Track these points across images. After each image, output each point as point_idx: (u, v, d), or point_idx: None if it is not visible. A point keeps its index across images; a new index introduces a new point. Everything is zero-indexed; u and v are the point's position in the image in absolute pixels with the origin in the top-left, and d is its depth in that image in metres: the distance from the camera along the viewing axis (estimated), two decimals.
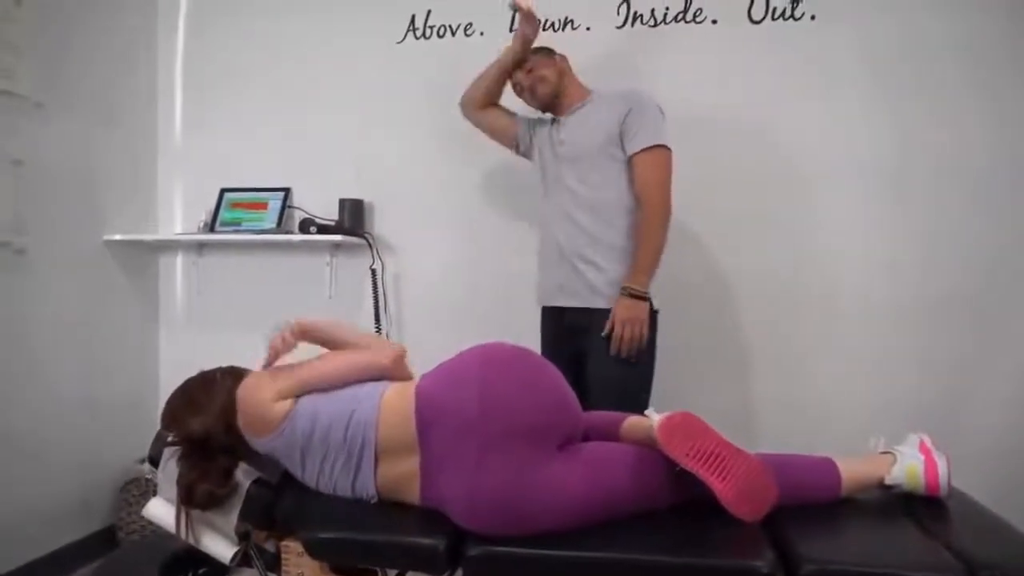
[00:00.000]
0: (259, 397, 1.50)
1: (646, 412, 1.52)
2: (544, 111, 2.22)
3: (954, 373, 2.31)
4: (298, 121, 2.81)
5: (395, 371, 1.58)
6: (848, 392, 2.38)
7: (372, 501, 1.48)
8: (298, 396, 1.51)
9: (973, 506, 1.52)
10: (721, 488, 1.36)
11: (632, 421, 1.57)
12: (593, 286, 2.01)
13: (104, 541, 2.63)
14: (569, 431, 1.47)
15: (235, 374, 1.62)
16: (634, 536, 1.38)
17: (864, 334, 2.39)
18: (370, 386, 1.53)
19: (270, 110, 2.85)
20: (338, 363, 1.57)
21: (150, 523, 1.66)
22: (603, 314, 1.96)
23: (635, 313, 1.92)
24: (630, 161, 2.00)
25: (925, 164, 2.33)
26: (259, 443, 1.53)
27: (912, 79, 2.33)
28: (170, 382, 1.71)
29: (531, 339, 2.08)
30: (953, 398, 2.29)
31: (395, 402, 1.47)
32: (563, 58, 2.19)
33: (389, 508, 1.47)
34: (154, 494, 1.68)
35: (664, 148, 1.99)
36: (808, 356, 2.43)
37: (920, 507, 1.47)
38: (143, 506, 1.69)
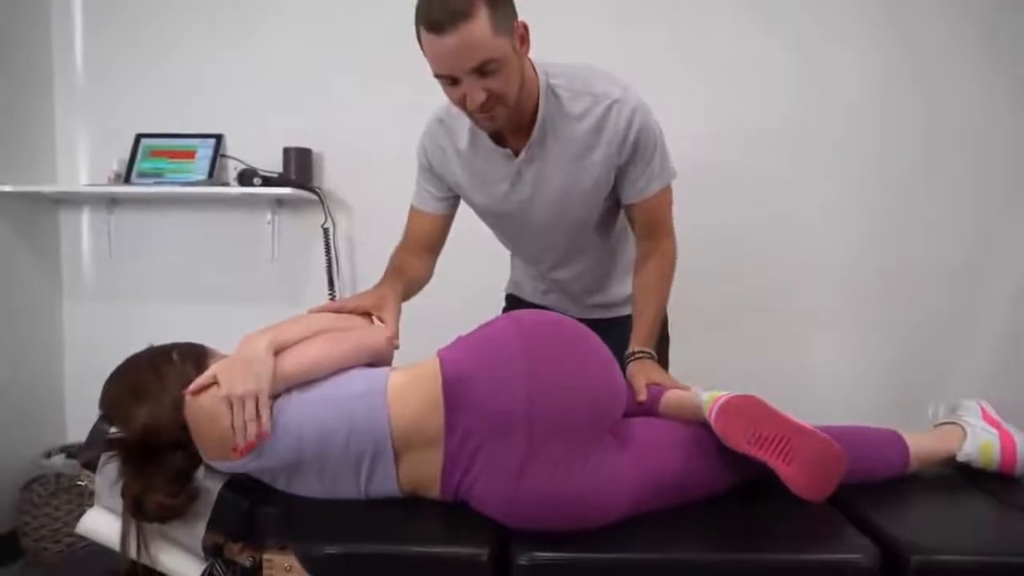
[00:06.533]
0: (224, 423, 1.15)
1: (693, 389, 1.33)
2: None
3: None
4: (233, 56, 2.42)
5: (388, 354, 1.33)
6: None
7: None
8: (275, 397, 1.19)
9: None
10: (787, 472, 1.18)
11: (675, 396, 1.36)
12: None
13: (5, 549, 2.22)
14: (619, 413, 1.26)
15: (195, 355, 1.28)
16: (701, 530, 1.19)
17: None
18: (367, 374, 1.24)
19: (197, 41, 2.43)
20: (324, 347, 1.24)
21: (67, 531, 1.31)
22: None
23: (659, 369, 1.52)
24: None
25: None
26: (224, 467, 1.22)
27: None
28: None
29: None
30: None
31: (410, 387, 1.20)
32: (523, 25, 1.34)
33: (407, 508, 1.21)
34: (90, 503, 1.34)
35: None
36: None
37: (994, 483, 1.34)
38: (53, 507, 1.35)
